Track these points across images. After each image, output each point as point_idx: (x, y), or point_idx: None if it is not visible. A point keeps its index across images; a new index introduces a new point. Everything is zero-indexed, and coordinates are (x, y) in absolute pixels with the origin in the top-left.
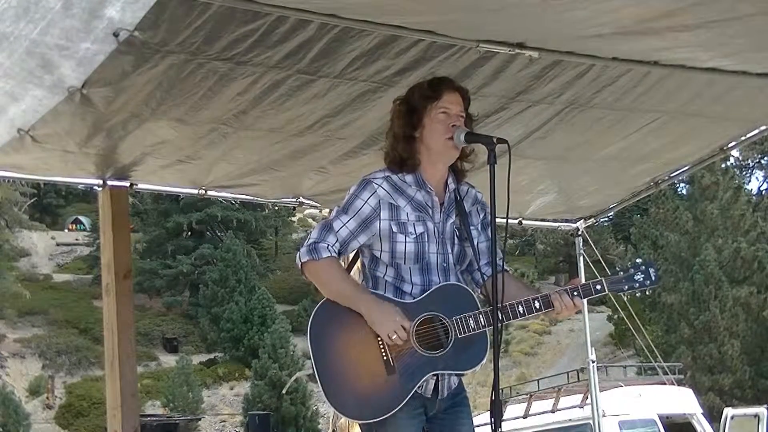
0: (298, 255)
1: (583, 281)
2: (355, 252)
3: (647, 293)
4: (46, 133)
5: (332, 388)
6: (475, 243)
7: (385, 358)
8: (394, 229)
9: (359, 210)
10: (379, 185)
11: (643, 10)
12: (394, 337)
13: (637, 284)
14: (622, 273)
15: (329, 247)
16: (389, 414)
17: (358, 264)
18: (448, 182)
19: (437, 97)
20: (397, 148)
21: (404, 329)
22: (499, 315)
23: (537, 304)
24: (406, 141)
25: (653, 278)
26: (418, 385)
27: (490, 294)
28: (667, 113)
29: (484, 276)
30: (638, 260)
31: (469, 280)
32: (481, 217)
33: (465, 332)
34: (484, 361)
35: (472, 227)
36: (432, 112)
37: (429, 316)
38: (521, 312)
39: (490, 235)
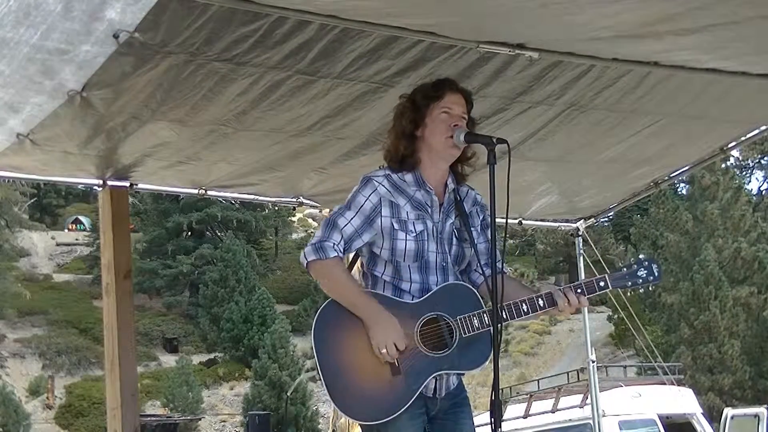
0: (303, 253)
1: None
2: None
3: (648, 291)
4: (45, 136)
5: (337, 389)
6: (475, 244)
7: None
8: (395, 226)
9: (362, 206)
10: (380, 183)
11: (643, 15)
12: (383, 352)
13: (641, 280)
14: (625, 269)
15: (335, 246)
16: (395, 415)
17: (358, 264)
18: (448, 183)
19: (440, 97)
20: (398, 145)
21: (396, 347)
22: (504, 314)
23: (541, 302)
24: (408, 139)
25: (656, 274)
26: (423, 386)
27: (488, 294)
28: (668, 116)
29: (483, 276)
30: (641, 256)
31: (467, 281)
32: (481, 218)
33: (469, 332)
34: (488, 361)
35: (472, 228)
36: (434, 111)
37: (433, 316)
38: (525, 310)
39: (489, 236)
